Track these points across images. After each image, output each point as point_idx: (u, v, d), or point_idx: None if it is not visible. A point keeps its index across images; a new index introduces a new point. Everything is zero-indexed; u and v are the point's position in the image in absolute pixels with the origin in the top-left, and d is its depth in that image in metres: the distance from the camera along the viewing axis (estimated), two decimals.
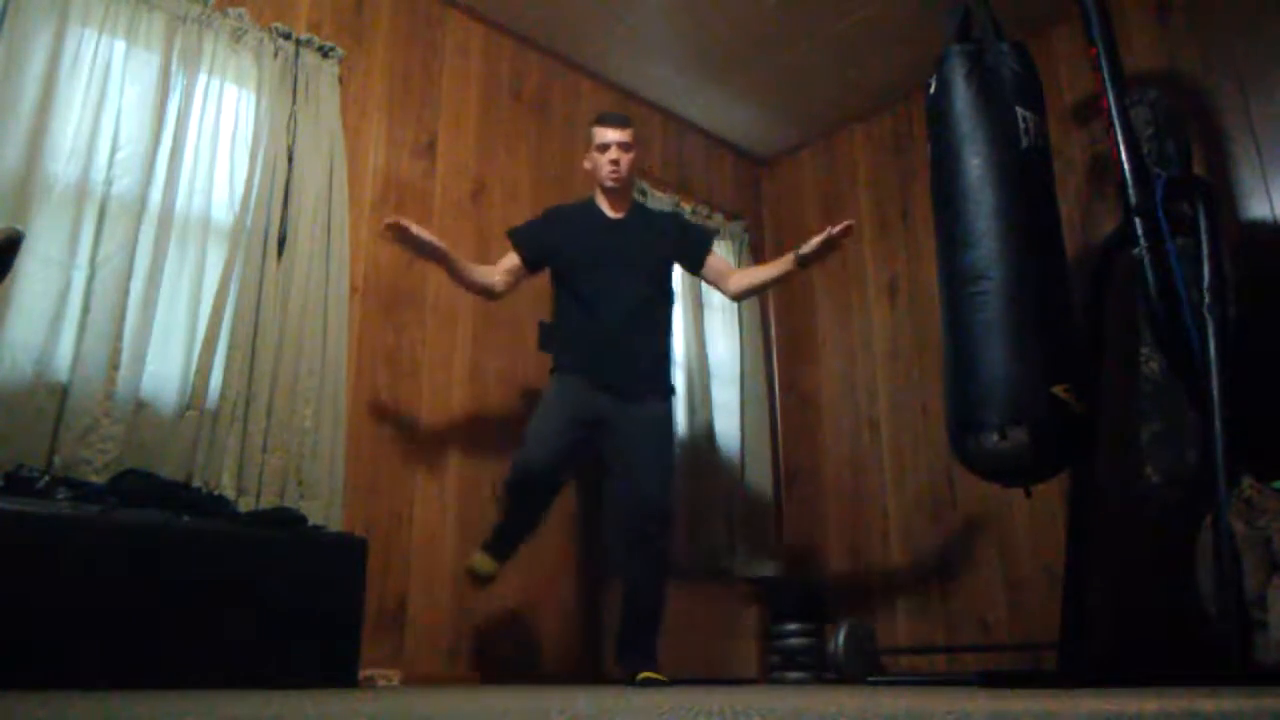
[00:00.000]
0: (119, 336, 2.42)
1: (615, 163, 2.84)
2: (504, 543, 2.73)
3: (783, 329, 4.42)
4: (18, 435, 2.22)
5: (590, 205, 2.96)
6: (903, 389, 3.88)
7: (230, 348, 2.60)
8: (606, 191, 2.90)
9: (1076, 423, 2.41)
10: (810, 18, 3.64)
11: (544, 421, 2.73)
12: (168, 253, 2.57)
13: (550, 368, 2.90)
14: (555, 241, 2.89)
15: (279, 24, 2.95)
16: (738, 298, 3.07)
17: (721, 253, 3.58)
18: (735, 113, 4.31)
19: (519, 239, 2.91)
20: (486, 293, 2.88)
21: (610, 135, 2.85)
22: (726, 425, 3.94)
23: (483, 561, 2.69)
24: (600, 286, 2.80)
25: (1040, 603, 3.22)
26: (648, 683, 2.51)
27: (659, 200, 3.97)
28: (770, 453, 4.09)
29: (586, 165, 2.96)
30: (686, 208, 4.07)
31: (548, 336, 3.09)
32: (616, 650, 2.70)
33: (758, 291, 3.13)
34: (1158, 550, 2.81)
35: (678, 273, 3.03)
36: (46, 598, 1.86)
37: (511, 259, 2.88)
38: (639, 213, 2.98)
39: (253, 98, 2.87)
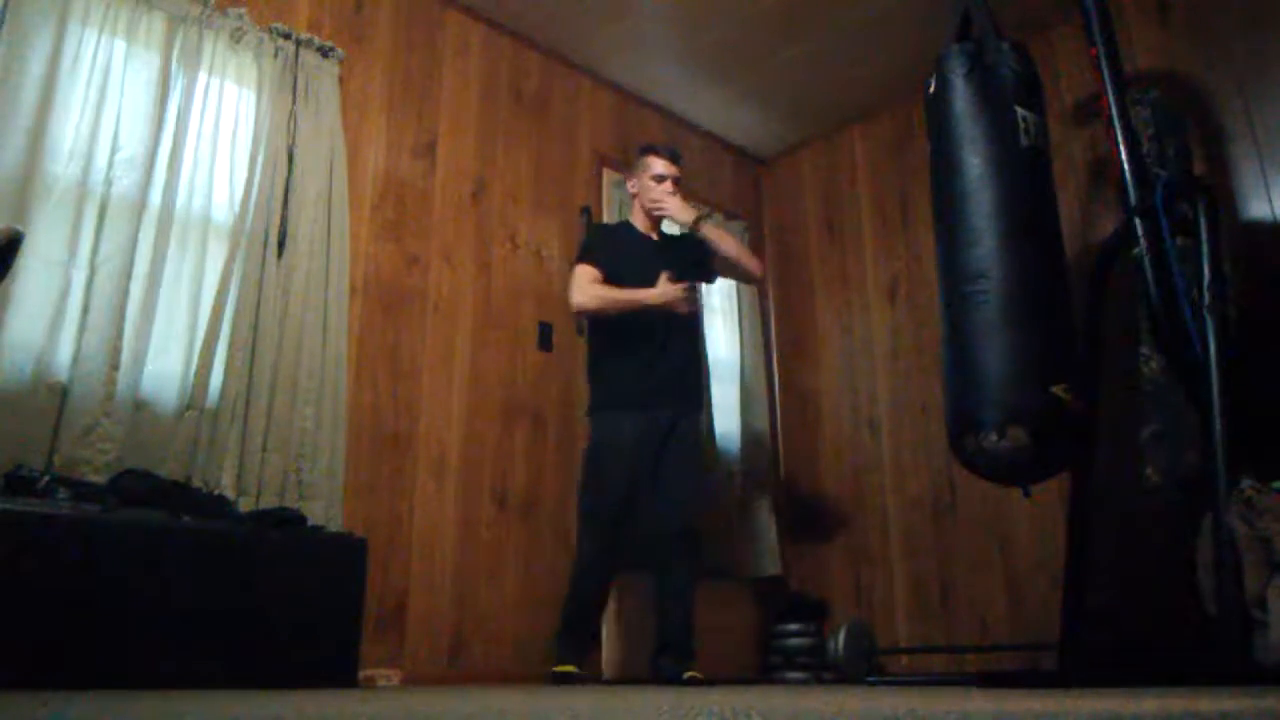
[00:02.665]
0: (119, 336, 2.42)
1: (671, 194, 2.98)
2: (573, 637, 2.80)
3: (783, 329, 4.41)
4: (18, 435, 2.22)
5: (630, 227, 3.07)
6: (903, 389, 3.88)
7: (230, 348, 2.60)
8: (647, 215, 3.03)
9: (1076, 422, 2.41)
10: (809, 18, 3.64)
11: (601, 493, 2.79)
12: (168, 253, 2.57)
13: (590, 406, 2.94)
14: (614, 261, 2.95)
15: (279, 24, 2.95)
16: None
17: None
18: (735, 113, 4.31)
19: (594, 260, 2.92)
20: None
21: (669, 169, 3.00)
22: (726, 425, 3.93)
23: (562, 666, 2.75)
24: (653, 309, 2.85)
25: (1040, 603, 3.22)
26: (693, 681, 2.62)
27: None
28: (770, 453, 4.09)
29: (630, 188, 3.09)
30: None
31: (546, 337, 3.10)
32: (657, 650, 2.77)
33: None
34: (1158, 550, 2.81)
35: None
36: (46, 598, 1.86)
37: (595, 273, 2.90)
38: (671, 236, 3.11)
39: (253, 98, 2.87)
